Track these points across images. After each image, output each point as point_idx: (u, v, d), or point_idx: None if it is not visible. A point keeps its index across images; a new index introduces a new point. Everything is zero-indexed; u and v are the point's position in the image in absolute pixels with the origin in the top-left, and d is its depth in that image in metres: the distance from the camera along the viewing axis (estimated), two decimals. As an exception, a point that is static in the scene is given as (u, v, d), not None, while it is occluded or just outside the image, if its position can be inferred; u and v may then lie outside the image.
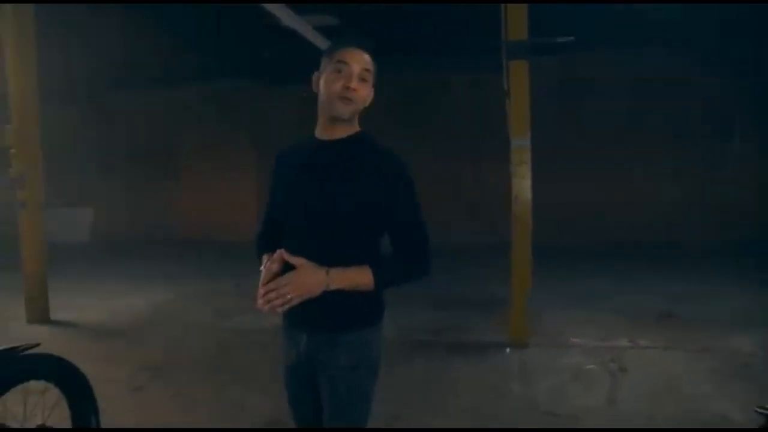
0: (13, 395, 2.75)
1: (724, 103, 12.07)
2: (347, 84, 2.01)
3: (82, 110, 15.03)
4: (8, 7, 6.85)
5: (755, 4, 8.66)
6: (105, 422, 3.14)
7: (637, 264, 10.13)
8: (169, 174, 15.49)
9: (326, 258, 1.98)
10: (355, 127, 2.13)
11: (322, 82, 2.08)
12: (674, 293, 7.74)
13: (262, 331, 6.08)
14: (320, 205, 2.03)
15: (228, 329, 6.72)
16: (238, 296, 7.88)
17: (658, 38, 10.91)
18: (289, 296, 1.92)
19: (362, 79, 2.05)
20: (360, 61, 2.04)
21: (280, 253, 2.00)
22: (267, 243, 2.21)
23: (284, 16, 7.93)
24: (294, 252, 2.01)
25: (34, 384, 2.86)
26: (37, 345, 2.91)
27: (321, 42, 8.72)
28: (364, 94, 2.07)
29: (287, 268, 1.99)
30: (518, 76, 5.69)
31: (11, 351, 2.75)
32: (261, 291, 1.96)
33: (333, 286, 1.96)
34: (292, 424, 2.31)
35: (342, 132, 2.10)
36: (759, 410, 2.63)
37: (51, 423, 2.90)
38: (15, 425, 2.74)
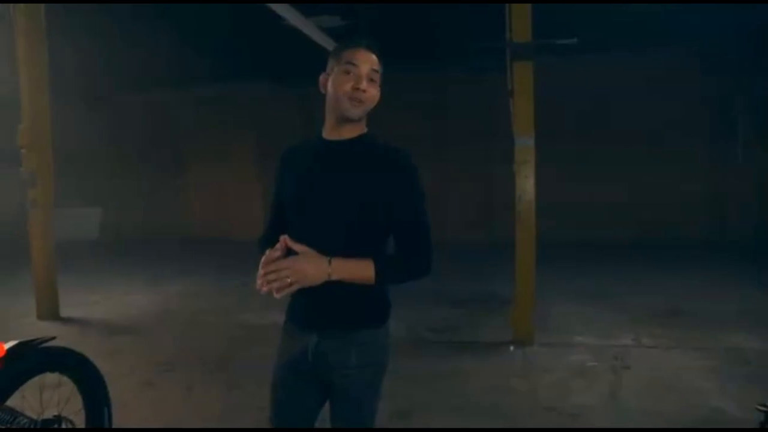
0: (30, 386, 2.83)
1: (729, 102, 12.09)
2: (357, 85, 2.01)
3: (90, 110, 15.12)
4: (20, 7, 6.93)
5: (757, 4, 8.66)
6: (116, 416, 3.20)
7: (641, 262, 10.16)
8: (178, 173, 15.61)
9: (336, 255, 1.97)
10: (362, 128, 2.13)
11: (330, 83, 2.08)
12: (678, 291, 7.79)
13: (269, 327, 6.13)
14: (330, 202, 2.03)
15: (237, 325, 6.80)
16: (247, 294, 7.95)
17: (662, 38, 10.92)
18: (288, 280, 1.90)
19: (371, 80, 2.04)
20: (368, 61, 2.04)
21: (284, 240, 1.98)
22: (271, 244, 2.16)
23: (291, 16, 7.99)
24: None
25: (49, 376, 2.94)
26: (53, 338, 3.00)
27: (327, 43, 8.79)
28: (373, 94, 2.06)
29: (289, 255, 1.97)
30: (522, 77, 5.75)
31: (29, 344, 2.83)
32: (261, 272, 1.93)
33: (334, 276, 1.94)
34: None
35: (350, 132, 2.10)
36: (760, 408, 2.67)
37: (66, 413, 2.97)
38: (32, 415, 2.81)
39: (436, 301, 7.46)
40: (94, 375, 3.13)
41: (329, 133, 2.12)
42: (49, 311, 7.12)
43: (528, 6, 5.73)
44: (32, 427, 2.74)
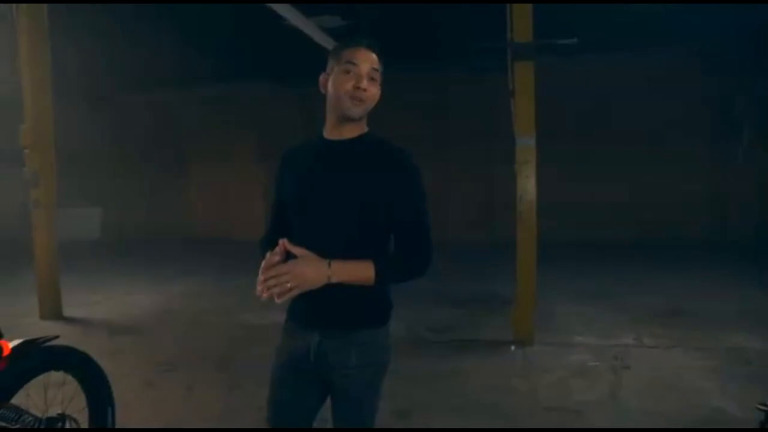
0: (35, 384, 2.86)
1: (729, 102, 12.10)
2: (358, 84, 2.02)
3: (92, 110, 15.15)
4: (22, 7, 6.96)
5: (757, 4, 8.67)
6: (117, 416, 3.22)
7: (641, 262, 10.18)
8: (180, 173, 15.65)
9: (341, 254, 1.97)
10: (363, 127, 2.13)
11: (330, 82, 2.08)
12: (679, 291, 7.81)
13: (270, 327, 6.14)
14: (331, 202, 2.04)
15: (238, 325, 6.81)
16: (248, 294, 7.93)
17: (663, 38, 10.93)
18: (288, 285, 1.89)
19: (371, 79, 2.05)
20: (368, 60, 2.05)
21: (283, 243, 1.97)
22: (272, 245, 2.16)
23: (292, 17, 8.01)
24: (308, 248, 1.99)
25: (54, 375, 2.97)
26: (57, 337, 3.02)
27: (328, 43, 8.80)
28: (374, 93, 2.07)
29: (289, 259, 1.97)
30: (523, 77, 5.76)
31: (33, 342, 2.86)
32: (261, 278, 1.92)
33: (334, 279, 1.93)
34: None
35: (352, 132, 2.10)
36: (760, 407, 2.68)
37: (70, 412, 3.00)
38: (37, 413, 2.84)
39: (436, 301, 7.47)
40: (97, 374, 3.16)
41: (330, 132, 2.13)
42: (52, 311, 7.14)
43: (529, 6, 5.74)
44: (37, 425, 2.77)
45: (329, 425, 2.19)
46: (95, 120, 15.23)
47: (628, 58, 11.84)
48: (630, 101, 12.54)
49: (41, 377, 2.90)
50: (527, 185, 5.81)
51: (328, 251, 1.97)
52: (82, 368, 3.11)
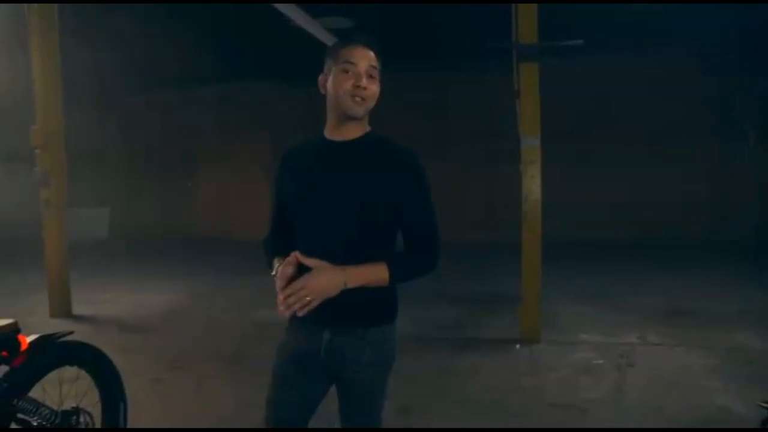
0: (50, 379, 2.91)
1: (730, 102, 12.14)
2: (357, 83, 2.00)
3: (100, 111, 15.17)
4: (33, 6, 7.00)
5: (757, 4, 8.70)
6: (128, 412, 3.27)
7: (642, 262, 10.21)
8: (188, 173, 15.70)
9: (343, 254, 1.98)
10: (365, 126, 2.12)
11: (329, 83, 2.07)
12: (679, 291, 7.84)
13: (280, 326, 6.17)
14: (336, 203, 2.03)
15: (245, 324, 6.86)
16: (257, 292, 8.00)
17: (663, 38, 10.96)
18: (307, 299, 1.91)
19: (370, 77, 2.04)
20: (366, 58, 2.03)
21: (295, 256, 1.99)
22: (276, 246, 2.21)
23: (299, 18, 8.04)
24: (309, 251, 2.01)
25: (68, 370, 3.02)
26: (71, 333, 3.07)
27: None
28: (374, 90, 2.05)
29: (302, 269, 1.98)
30: (528, 78, 5.79)
31: (49, 338, 2.90)
32: (280, 297, 1.95)
33: (350, 285, 1.95)
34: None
35: (354, 132, 2.09)
36: (763, 405, 2.72)
37: (83, 406, 3.04)
38: (53, 406, 2.88)
39: (439, 300, 7.49)
40: (110, 370, 3.20)
41: (332, 133, 2.12)
42: (62, 309, 7.19)
43: (534, 6, 5.77)
44: (53, 418, 2.82)
45: (337, 425, 2.19)
46: (103, 120, 15.27)
47: (628, 58, 11.84)
48: (630, 101, 12.56)
49: (56, 372, 2.94)
50: (532, 185, 5.84)
51: (330, 252, 1.98)
52: (96, 364, 3.15)
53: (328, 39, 8.88)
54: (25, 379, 2.73)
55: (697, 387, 4.61)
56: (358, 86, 2.01)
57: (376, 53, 2.07)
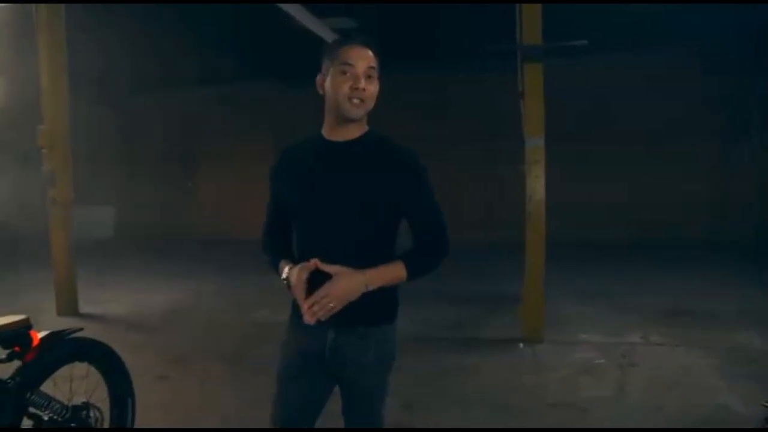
0: (60, 375, 2.95)
1: (730, 102, 12.16)
2: (355, 85, 1.99)
3: (104, 111, 15.16)
4: (42, 8, 7.02)
5: (757, 4, 8.73)
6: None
7: (641, 262, 10.22)
8: (192, 173, 15.69)
9: (343, 254, 1.99)
10: (364, 126, 2.12)
11: (327, 84, 2.06)
12: (679, 291, 7.84)
13: (282, 325, 6.18)
14: (335, 202, 2.03)
15: (248, 323, 6.89)
16: (255, 292, 8.03)
17: (663, 38, 10.98)
18: (331, 305, 1.94)
19: (369, 77, 2.02)
20: (364, 58, 2.01)
21: (314, 263, 1.98)
22: (276, 246, 2.23)
23: (303, 18, 8.06)
24: (309, 250, 2.04)
25: (78, 366, 3.06)
26: (81, 329, 3.09)
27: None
28: (372, 91, 2.04)
29: (316, 271, 1.99)
30: (533, 78, 5.81)
31: (59, 334, 2.94)
32: (305, 307, 1.96)
33: (371, 287, 1.97)
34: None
35: (353, 133, 2.08)
36: (766, 405, 2.75)
37: (93, 401, 3.07)
38: (64, 401, 2.91)
39: (440, 300, 7.49)
40: (118, 366, 3.24)
41: (330, 133, 2.11)
42: (69, 307, 7.23)
43: (538, 7, 5.77)
44: (64, 412, 2.86)
45: (330, 424, 2.22)
46: (108, 120, 15.27)
47: (628, 58, 11.85)
48: (630, 101, 12.56)
49: (66, 368, 2.98)
50: (536, 185, 5.85)
51: (330, 251, 2.00)
52: (105, 360, 3.19)
53: (329, 38, 8.90)
54: (37, 374, 2.77)
55: (697, 387, 4.61)
56: (356, 88, 1.99)
57: (374, 52, 2.05)
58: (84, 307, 7.39)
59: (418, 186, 2.08)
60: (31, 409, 2.74)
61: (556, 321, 6.40)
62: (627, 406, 4.32)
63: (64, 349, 2.94)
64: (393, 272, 2.03)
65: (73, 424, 2.88)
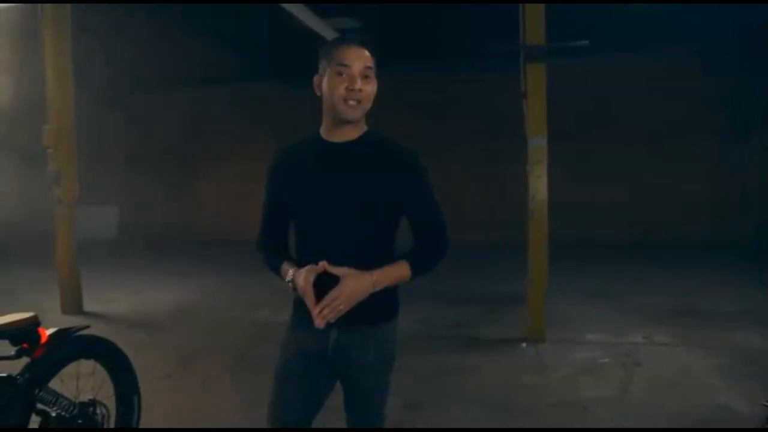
0: (67, 372, 2.96)
1: (730, 102, 12.18)
2: (351, 86, 1.97)
3: (108, 111, 15.18)
4: (47, 9, 7.05)
5: (757, 4, 8.74)
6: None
7: (642, 262, 10.23)
8: (194, 174, 15.72)
9: (343, 254, 1.99)
10: (362, 126, 2.11)
11: (324, 85, 2.04)
12: (680, 291, 7.86)
13: (283, 326, 6.18)
14: (338, 202, 2.03)
15: (251, 322, 6.91)
16: (256, 292, 8.05)
17: (663, 38, 10.99)
18: (341, 307, 1.94)
19: (365, 77, 2.00)
20: (360, 58, 1.99)
21: (323, 266, 1.97)
22: (275, 247, 2.23)
23: (306, 18, 8.08)
24: (309, 250, 2.04)
25: (84, 363, 3.08)
26: (88, 327, 3.12)
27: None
28: (369, 91, 2.02)
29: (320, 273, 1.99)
30: (536, 78, 5.83)
31: (66, 331, 2.96)
32: (315, 312, 1.95)
33: (378, 287, 1.98)
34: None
35: (351, 133, 2.07)
36: (766, 404, 2.77)
37: (99, 398, 3.09)
38: (71, 397, 2.94)
39: (441, 300, 7.52)
40: (124, 364, 3.27)
41: (328, 134, 2.10)
42: (73, 306, 7.27)
43: (541, 7, 5.79)
44: (71, 408, 2.88)
45: (331, 424, 2.23)
46: (112, 119, 15.30)
47: (628, 58, 11.88)
48: (630, 101, 12.60)
49: (73, 365, 3.00)
50: (539, 185, 5.86)
51: (330, 251, 1.99)
52: (111, 358, 3.21)
53: (331, 38, 8.93)
54: (45, 371, 2.79)
55: (698, 386, 4.63)
56: (352, 89, 1.98)
57: (371, 52, 2.04)
58: (88, 306, 7.43)
59: (418, 186, 2.08)
60: (40, 406, 2.76)
61: (557, 321, 6.40)
62: (627, 406, 4.33)
63: (72, 346, 2.97)
64: (398, 272, 2.04)
65: (80, 421, 2.90)
